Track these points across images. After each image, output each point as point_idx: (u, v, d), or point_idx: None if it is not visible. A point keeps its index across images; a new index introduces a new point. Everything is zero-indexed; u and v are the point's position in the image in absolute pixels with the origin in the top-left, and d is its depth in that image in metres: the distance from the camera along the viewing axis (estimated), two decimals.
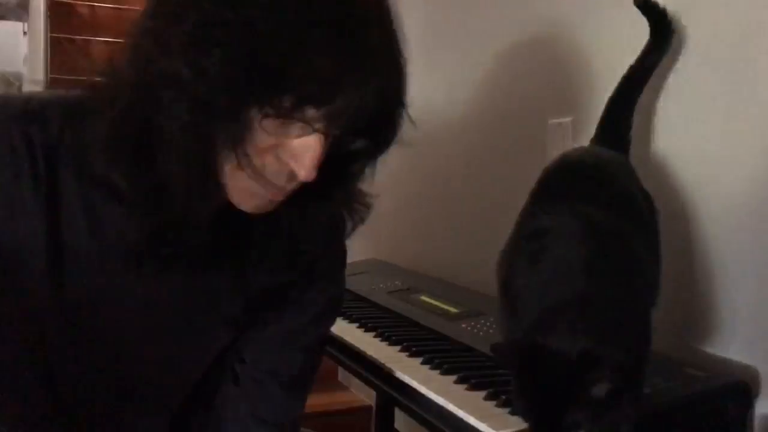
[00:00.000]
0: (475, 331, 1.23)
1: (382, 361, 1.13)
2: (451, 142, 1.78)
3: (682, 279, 1.10)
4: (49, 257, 0.73)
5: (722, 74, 1.08)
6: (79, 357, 0.78)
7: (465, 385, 1.00)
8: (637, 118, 1.17)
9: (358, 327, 1.34)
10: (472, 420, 0.90)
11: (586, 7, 1.34)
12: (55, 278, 0.74)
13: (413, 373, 1.06)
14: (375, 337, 1.27)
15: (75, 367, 0.79)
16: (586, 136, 1.17)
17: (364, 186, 0.77)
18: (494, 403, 0.94)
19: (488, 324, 1.25)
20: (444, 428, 0.94)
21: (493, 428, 0.86)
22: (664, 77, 1.17)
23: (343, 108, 0.62)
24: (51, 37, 3.47)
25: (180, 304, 0.80)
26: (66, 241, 0.73)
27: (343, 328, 1.33)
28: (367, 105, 0.63)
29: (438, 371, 1.07)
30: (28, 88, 3.36)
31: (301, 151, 0.65)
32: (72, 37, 3.46)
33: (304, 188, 0.70)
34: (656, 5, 1.13)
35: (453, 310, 1.36)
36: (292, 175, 0.67)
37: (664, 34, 1.13)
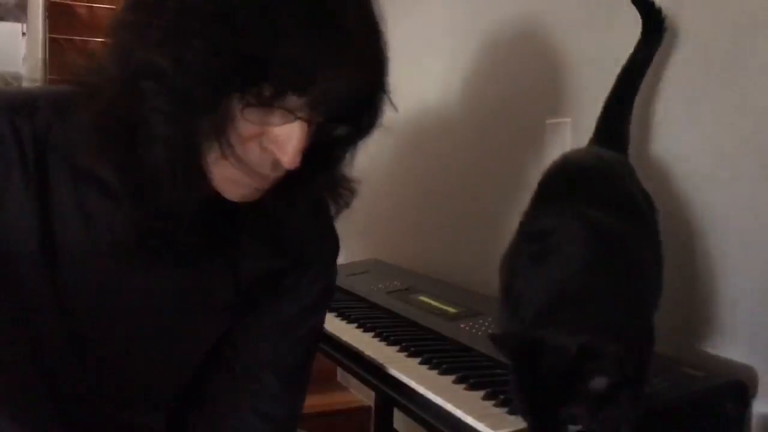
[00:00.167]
0: (474, 331, 1.24)
1: (381, 361, 1.13)
2: (449, 143, 1.79)
3: (681, 279, 1.10)
4: (41, 251, 0.73)
5: (720, 73, 1.08)
6: (75, 350, 0.79)
7: (463, 385, 1.01)
8: (635, 118, 1.17)
9: (357, 327, 1.34)
10: (470, 419, 0.90)
11: (584, 6, 1.34)
12: (48, 273, 0.74)
13: (412, 373, 1.06)
14: (374, 337, 1.27)
15: (71, 360, 0.79)
16: (584, 137, 1.18)
17: (349, 171, 0.78)
18: (492, 402, 0.94)
19: (487, 324, 1.25)
20: (442, 428, 0.94)
21: (492, 428, 0.86)
22: (661, 76, 1.17)
23: (324, 94, 0.63)
24: (49, 37, 3.47)
25: (173, 295, 0.81)
26: (57, 234, 0.74)
27: (342, 329, 1.34)
28: (348, 90, 0.64)
29: (436, 371, 1.07)
30: None
31: (284, 138, 0.65)
32: (70, 37, 3.46)
33: (289, 175, 0.70)
34: (650, 1, 1.14)
35: (451, 310, 1.36)
36: (276, 164, 0.68)
37: (655, 29, 1.13)
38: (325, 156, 0.72)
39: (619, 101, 1.16)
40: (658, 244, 0.98)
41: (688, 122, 1.14)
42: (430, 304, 1.43)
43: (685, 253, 1.11)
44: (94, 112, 0.67)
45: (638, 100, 1.17)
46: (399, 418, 1.73)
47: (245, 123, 0.65)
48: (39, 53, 3.45)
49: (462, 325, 1.27)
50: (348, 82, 0.64)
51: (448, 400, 0.95)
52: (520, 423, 0.79)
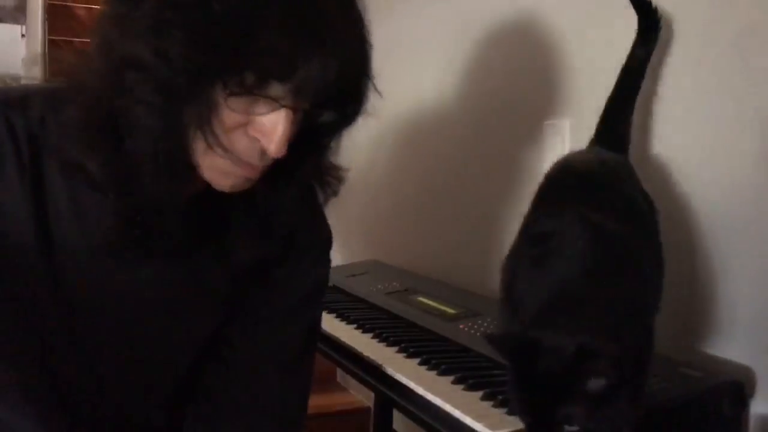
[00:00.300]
0: (473, 331, 1.24)
1: (380, 362, 1.13)
2: (448, 145, 1.79)
3: (679, 279, 1.10)
4: (38, 244, 0.74)
5: (720, 73, 1.08)
6: (73, 344, 0.79)
7: (462, 386, 1.01)
8: (635, 119, 1.17)
9: (356, 328, 1.34)
10: (468, 420, 0.90)
11: (584, 6, 1.35)
12: (46, 266, 0.75)
13: (411, 374, 1.07)
14: (373, 338, 1.28)
15: (70, 354, 0.80)
16: (582, 138, 1.18)
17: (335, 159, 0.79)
18: (491, 403, 0.94)
19: (486, 325, 1.25)
20: (441, 429, 0.95)
21: (490, 428, 0.87)
22: (661, 77, 1.18)
23: (306, 81, 0.64)
24: (48, 39, 3.47)
25: (167, 287, 0.82)
26: (53, 227, 0.75)
27: (341, 329, 1.34)
28: (329, 77, 0.65)
29: (435, 372, 1.08)
30: None
31: (270, 127, 0.66)
32: (70, 39, 3.46)
33: (277, 163, 0.71)
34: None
35: (450, 311, 1.37)
36: (263, 153, 0.69)
37: (651, 27, 1.13)
38: (311, 143, 0.74)
39: (620, 102, 1.16)
40: (658, 246, 0.98)
41: (688, 122, 1.14)
42: (429, 304, 1.43)
43: (685, 253, 1.11)
44: (81, 106, 0.68)
45: (638, 100, 1.17)
46: (398, 419, 1.73)
47: (230, 112, 0.66)
48: (38, 55, 3.45)
49: (461, 326, 1.27)
50: (330, 67, 0.64)
51: (447, 401, 0.96)
52: (519, 423, 0.79)
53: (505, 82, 1.58)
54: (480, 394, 0.97)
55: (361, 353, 1.20)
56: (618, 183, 1.00)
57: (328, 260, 0.95)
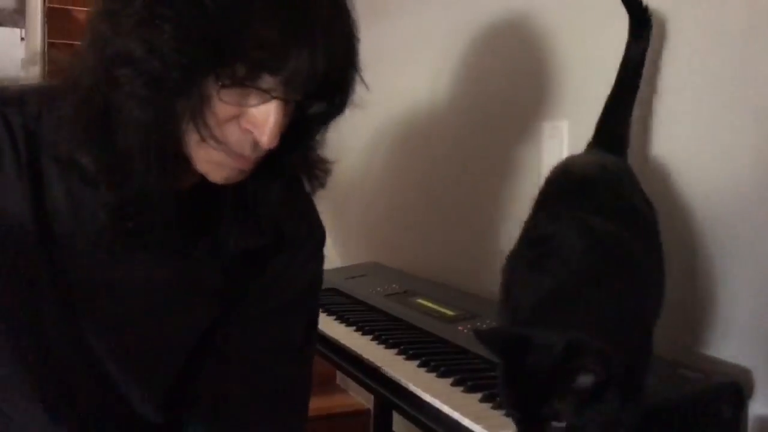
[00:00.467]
0: (472, 333, 1.24)
1: (380, 364, 1.13)
2: (446, 147, 1.79)
3: (678, 280, 1.10)
4: (37, 237, 0.75)
5: (720, 73, 1.08)
6: (73, 339, 0.80)
7: (461, 388, 1.01)
8: (635, 118, 1.17)
9: (356, 330, 1.34)
10: (467, 422, 0.90)
11: (581, 8, 1.35)
12: (46, 259, 0.76)
13: (410, 376, 1.07)
14: (372, 340, 1.28)
15: (71, 349, 0.80)
16: (580, 139, 1.18)
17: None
18: (490, 404, 0.95)
19: (485, 326, 1.25)
20: (441, 430, 0.95)
21: (489, 430, 0.87)
22: (661, 77, 1.18)
23: (297, 72, 0.65)
24: (48, 42, 3.48)
25: (162, 280, 0.82)
26: (51, 221, 0.75)
27: (341, 332, 1.34)
28: (319, 68, 0.66)
29: (434, 374, 1.08)
30: None
31: (262, 119, 0.68)
32: (69, 42, 3.47)
33: (268, 155, 0.72)
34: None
35: (450, 312, 1.37)
36: (256, 144, 0.70)
37: (642, 26, 1.13)
38: (300, 134, 0.75)
39: (618, 103, 1.16)
40: (659, 249, 0.98)
41: (688, 122, 1.14)
42: (428, 306, 1.43)
43: (684, 254, 1.11)
44: (74, 102, 0.69)
45: (638, 100, 1.17)
46: (398, 421, 1.73)
47: (222, 104, 0.67)
48: (38, 58, 3.45)
49: (460, 328, 1.27)
50: (320, 59, 0.66)
51: (447, 402, 0.96)
52: None
53: (503, 84, 1.58)
54: (479, 395, 0.97)
55: (361, 355, 1.20)
56: (617, 187, 1.01)
57: (323, 256, 0.96)
